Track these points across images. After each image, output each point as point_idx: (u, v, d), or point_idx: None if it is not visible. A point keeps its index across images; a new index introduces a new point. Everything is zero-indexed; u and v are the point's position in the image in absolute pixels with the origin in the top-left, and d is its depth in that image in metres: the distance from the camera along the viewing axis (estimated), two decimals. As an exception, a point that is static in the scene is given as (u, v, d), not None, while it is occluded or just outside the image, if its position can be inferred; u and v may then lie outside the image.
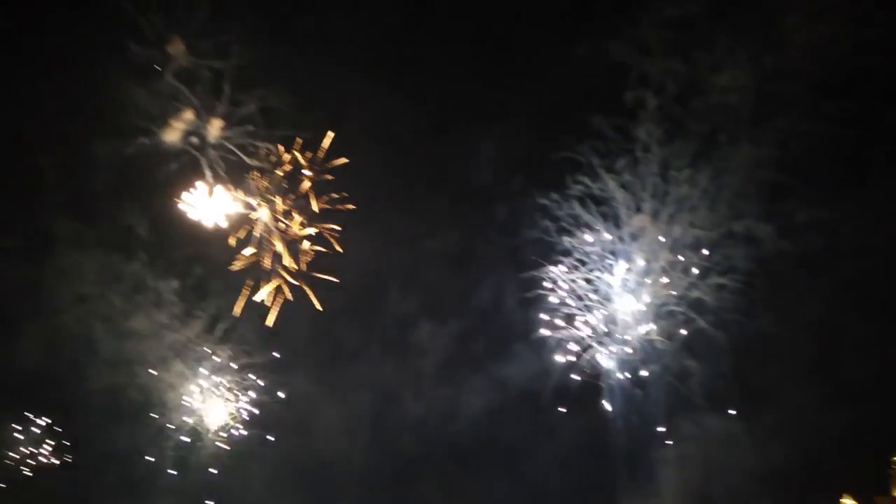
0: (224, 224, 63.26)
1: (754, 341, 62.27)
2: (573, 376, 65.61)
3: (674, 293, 63.96)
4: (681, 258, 63.18)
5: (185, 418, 70.28)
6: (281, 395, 70.85)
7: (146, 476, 68.61)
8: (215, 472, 70.72)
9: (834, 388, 63.24)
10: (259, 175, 64.20)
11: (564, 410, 65.42)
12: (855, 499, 71.93)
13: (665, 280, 64.09)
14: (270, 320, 65.69)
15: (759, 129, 58.95)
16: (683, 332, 64.05)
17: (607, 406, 65.80)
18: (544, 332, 65.53)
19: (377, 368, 71.63)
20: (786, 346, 62.40)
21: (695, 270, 63.16)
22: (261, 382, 70.94)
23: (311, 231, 65.55)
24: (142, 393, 67.54)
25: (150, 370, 67.96)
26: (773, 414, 64.60)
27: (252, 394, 71.19)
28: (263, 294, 65.04)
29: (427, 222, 68.51)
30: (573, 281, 65.05)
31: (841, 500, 71.20)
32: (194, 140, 62.11)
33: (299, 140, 63.65)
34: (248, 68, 59.99)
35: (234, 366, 70.50)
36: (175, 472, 69.68)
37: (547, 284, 64.95)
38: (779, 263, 60.29)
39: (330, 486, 71.95)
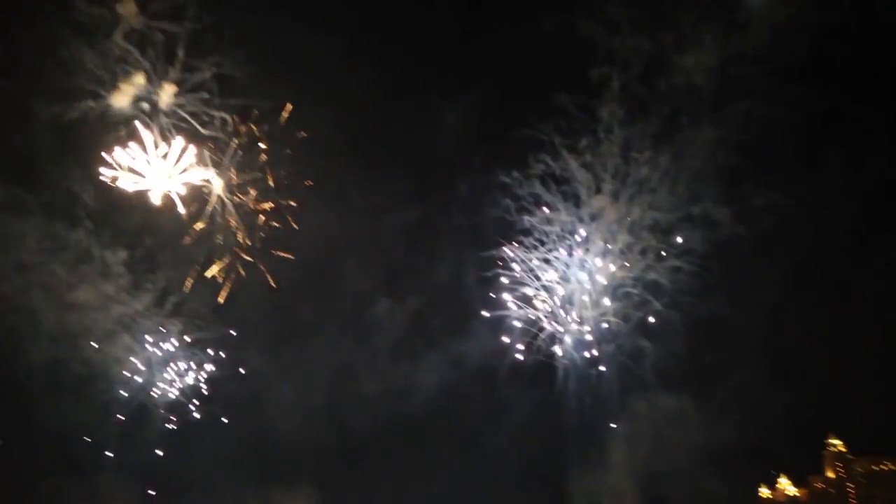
0: (175, 195, 58.94)
1: (706, 323, 61.94)
2: (529, 355, 64.61)
3: (630, 275, 63.15)
4: (639, 240, 62.15)
5: (131, 395, 66.29)
6: (234, 371, 67.78)
7: (87, 455, 64.87)
8: (161, 453, 67.60)
9: (779, 371, 64.08)
10: (213, 146, 59.75)
11: (518, 391, 64.90)
12: (790, 478, 73.54)
13: (622, 262, 63.21)
14: (222, 297, 62.59)
15: (720, 112, 58.10)
16: (639, 313, 63.33)
17: (562, 384, 64.70)
18: (502, 311, 64.22)
19: (333, 345, 69.25)
20: (736, 329, 62.48)
21: (654, 252, 62.16)
22: (213, 358, 67.65)
23: (267, 206, 61.91)
24: (86, 367, 63.34)
25: (95, 343, 63.66)
26: (721, 395, 64.71)
27: (203, 370, 67.84)
28: (215, 270, 61.55)
29: (386, 197, 66.29)
30: (532, 260, 63.53)
31: (778, 479, 72.87)
32: (145, 106, 57.63)
33: (255, 111, 59.77)
34: (203, 33, 56.06)
35: (188, 339, 67.02)
36: (117, 453, 65.91)
37: (506, 263, 63.54)
38: (734, 247, 60.12)
39: (283, 463, 69.42)
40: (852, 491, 70.12)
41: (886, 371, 62.53)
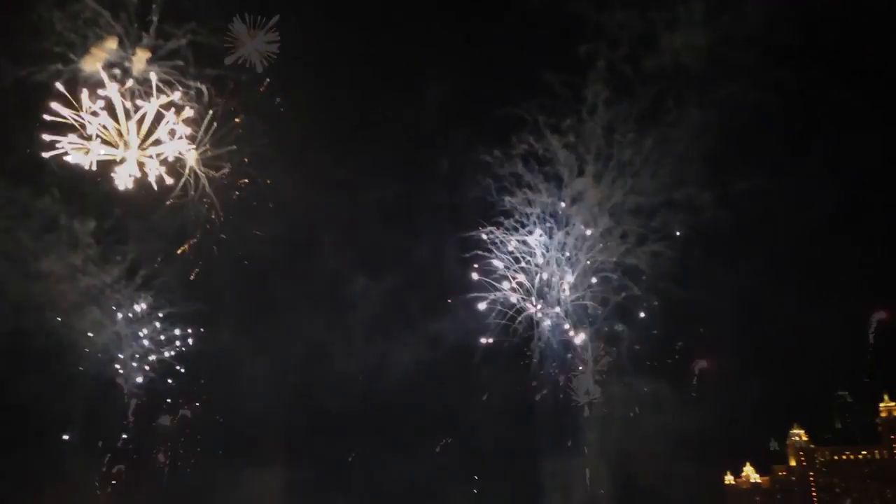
0: (147, 168, 55.72)
1: (683, 309, 60.37)
2: (506, 337, 62.53)
3: (610, 259, 61.28)
4: (619, 224, 60.50)
5: (98, 370, 62.37)
6: (205, 348, 64.34)
7: (51, 431, 61.32)
8: (125, 437, 64.20)
9: (752, 359, 62.79)
10: (187, 117, 56.31)
11: (494, 373, 62.71)
12: (754, 465, 72.53)
13: (602, 245, 61.26)
14: (194, 274, 60.17)
15: (707, 95, 56.15)
16: (617, 297, 61.52)
17: (538, 366, 63.05)
18: (480, 293, 62.05)
19: (307, 323, 65.98)
20: (713, 316, 60.91)
21: (634, 236, 60.37)
22: (184, 335, 64.07)
23: (242, 181, 59.28)
24: (51, 339, 59.37)
25: (60, 316, 59.69)
26: (694, 381, 64.34)
27: (173, 346, 64.25)
28: (186, 248, 59.01)
29: (365, 173, 63.19)
30: (511, 242, 61.47)
31: (744, 467, 72.33)
32: (116, 72, 54.07)
33: (231, 82, 56.64)
34: (178, -2, 53.45)
35: (160, 314, 63.36)
36: (82, 430, 62.26)
37: (485, 244, 61.40)
38: (714, 232, 58.51)
39: (254, 443, 65.55)
40: (813, 479, 69.81)
41: (855, 362, 62.19)
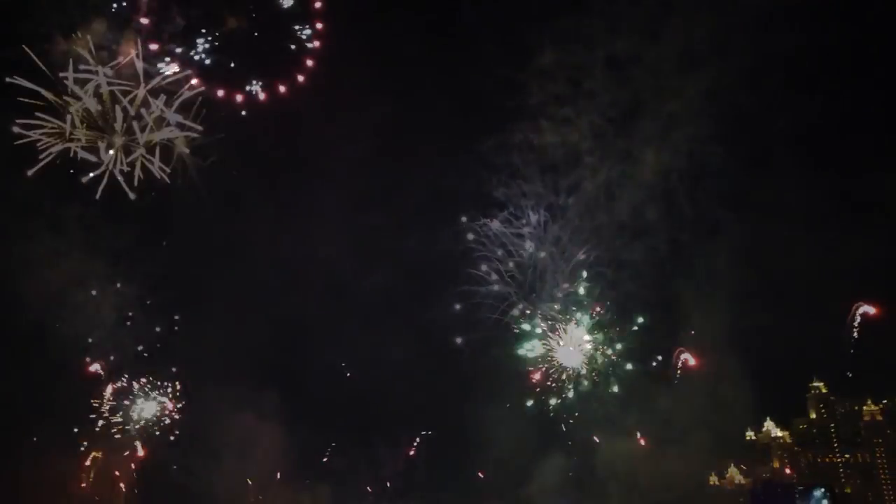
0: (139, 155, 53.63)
1: (674, 304, 59.82)
2: (498, 331, 61.14)
3: (605, 254, 59.95)
4: (614, 217, 59.00)
5: (81, 356, 60.61)
6: (186, 335, 62.89)
7: (24, 421, 58.89)
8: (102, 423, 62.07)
9: (740, 360, 61.24)
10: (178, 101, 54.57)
11: (485, 366, 61.08)
12: (737, 466, 71.84)
13: (597, 239, 59.88)
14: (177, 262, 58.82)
15: (702, 87, 54.39)
16: (610, 292, 60.51)
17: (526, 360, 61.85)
18: (470, 286, 60.56)
19: (293, 312, 64.48)
20: (705, 313, 59.65)
21: (629, 231, 59.16)
22: (168, 322, 62.93)
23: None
24: (28, 326, 56.92)
25: (44, 302, 57.04)
26: (683, 380, 63.43)
27: (154, 333, 62.57)
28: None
29: (354, 162, 61.56)
30: (504, 235, 59.96)
31: (728, 469, 72.12)
32: (103, 55, 52.05)
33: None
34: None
35: (143, 302, 61.65)
36: (62, 416, 60.16)
37: (477, 236, 59.95)
38: (711, 228, 57.60)
39: (234, 431, 63.78)
40: (796, 481, 69.65)
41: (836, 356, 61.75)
